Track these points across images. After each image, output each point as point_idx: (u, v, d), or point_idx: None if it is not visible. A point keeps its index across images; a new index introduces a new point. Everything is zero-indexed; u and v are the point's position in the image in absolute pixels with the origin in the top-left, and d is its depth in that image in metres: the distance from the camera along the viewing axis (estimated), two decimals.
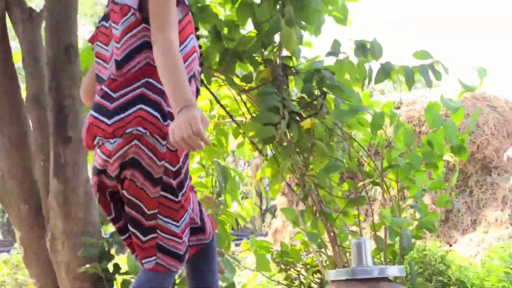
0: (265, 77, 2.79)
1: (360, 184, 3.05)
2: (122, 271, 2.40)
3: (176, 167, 1.44)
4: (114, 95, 1.43)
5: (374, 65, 2.83)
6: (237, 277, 5.24)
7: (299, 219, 2.91)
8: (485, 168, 8.61)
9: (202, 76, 2.66)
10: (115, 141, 1.39)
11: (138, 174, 1.40)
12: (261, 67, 2.82)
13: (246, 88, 2.88)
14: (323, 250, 3.08)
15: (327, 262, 3.08)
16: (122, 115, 1.40)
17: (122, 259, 3.61)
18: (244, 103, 2.98)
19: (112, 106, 1.42)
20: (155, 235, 1.43)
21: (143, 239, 1.43)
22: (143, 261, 1.46)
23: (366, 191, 3.08)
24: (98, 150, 1.44)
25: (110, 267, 2.42)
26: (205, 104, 3.13)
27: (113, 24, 1.49)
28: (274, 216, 10.79)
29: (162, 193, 1.42)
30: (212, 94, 3.01)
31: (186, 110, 1.27)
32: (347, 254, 2.96)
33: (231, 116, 3.04)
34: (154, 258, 1.45)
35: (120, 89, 1.43)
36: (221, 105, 3.04)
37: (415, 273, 3.10)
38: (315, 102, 2.86)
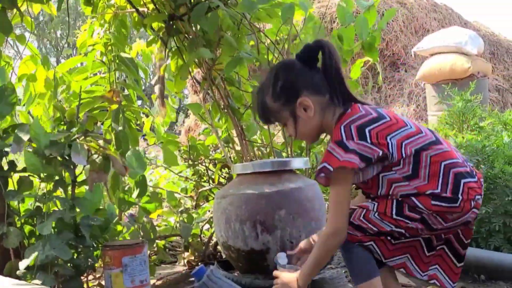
0: None
1: None
2: (18, 168, 2.24)
3: None
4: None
5: None
6: (150, 176, 5.21)
7: (206, 114, 2.85)
8: (393, 64, 8.85)
9: None
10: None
11: None
12: None
13: None
14: (230, 145, 3.07)
15: (235, 157, 3.08)
16: None
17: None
18: None
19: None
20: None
21: (458, 265, 1.77)
22: (454, 285, 1.77)
23: None
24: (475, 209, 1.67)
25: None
26: None
27: None
28: (187, 115, 10.72)
29: None
30: None
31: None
32: (255, 148, 2.97)
33: (133, 6, 2.84)
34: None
35: None
36: None
37: None
38: None
